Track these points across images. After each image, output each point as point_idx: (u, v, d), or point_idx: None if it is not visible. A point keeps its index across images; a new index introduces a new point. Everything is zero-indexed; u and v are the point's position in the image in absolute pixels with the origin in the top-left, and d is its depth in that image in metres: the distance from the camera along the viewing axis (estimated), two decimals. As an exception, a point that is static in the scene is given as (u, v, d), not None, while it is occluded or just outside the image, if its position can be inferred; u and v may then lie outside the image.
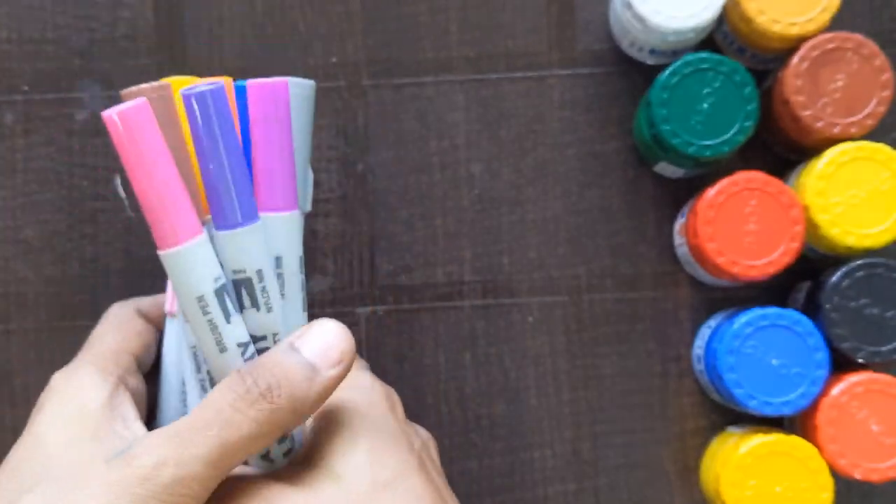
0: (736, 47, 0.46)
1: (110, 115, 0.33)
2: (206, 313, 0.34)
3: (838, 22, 0.47)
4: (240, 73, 0.48)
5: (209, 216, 0.34)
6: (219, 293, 0.34)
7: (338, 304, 0.47)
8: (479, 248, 0.48)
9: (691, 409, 0.47)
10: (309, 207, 0.41)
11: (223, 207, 0.34)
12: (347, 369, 0.35)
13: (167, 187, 0.33)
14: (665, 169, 0.46)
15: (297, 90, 0.40)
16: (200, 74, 0.47)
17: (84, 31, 0.48)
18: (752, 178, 0.42)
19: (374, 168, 0.48)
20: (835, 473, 0.42)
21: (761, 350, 0.42)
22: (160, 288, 0.45)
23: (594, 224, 0.47)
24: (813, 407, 0.43)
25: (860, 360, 0.43)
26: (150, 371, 0.41)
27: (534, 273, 0.47)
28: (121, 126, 0.33)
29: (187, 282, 0.33)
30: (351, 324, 0.47)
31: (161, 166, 0.33)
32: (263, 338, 0.35)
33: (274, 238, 0.35)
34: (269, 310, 0.35)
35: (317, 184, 0.47)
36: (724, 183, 0.42)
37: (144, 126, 0.33)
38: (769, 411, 0.42)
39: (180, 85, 0.34)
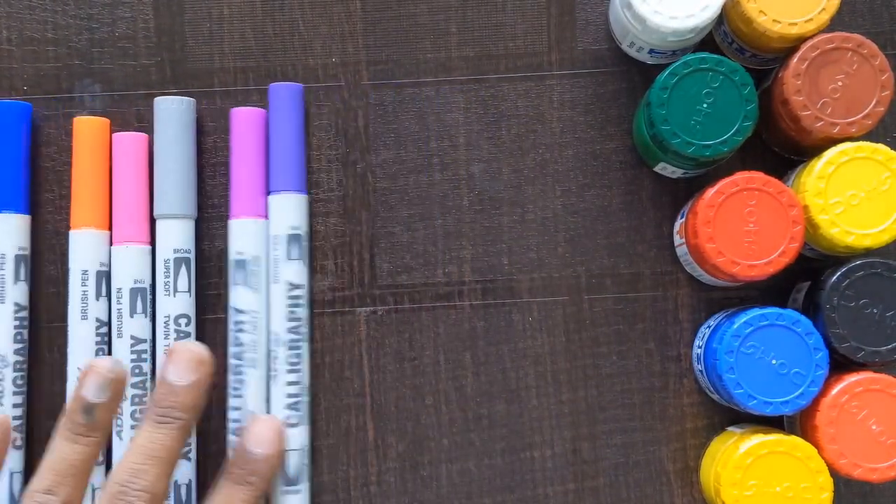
0: (736, 47, 0.46)
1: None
2: None
3: (838, 22, 0.47)
4: (240, 73, 0.48)
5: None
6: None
7: (338, 304, 0.47)
8: (479, 248, 0.48)
9: (691, 409, 0.47)
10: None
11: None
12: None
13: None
14: (665, 169, 0.46)
15: (176, 105, 0.46)
16: (200, 74, 0.48)
17: (84, 31, 0.48)
18: (751, 178, 0.42)
19: (374, 168, 0.48)
20: (835, 473, 0.42)
21: (761, 350, 0.42)
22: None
23: (594, 224, 0.48)
24: (813, 407, 0.43)
25: (860, 360, 0.43)
26: None
27: (534, 273, 0.47)
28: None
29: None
30: (351, 324, 0.47)
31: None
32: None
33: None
34: None
35: (317, 184, 0.47)
36: (723, 183, 0.42)
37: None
38: (769, 411, 0.42)
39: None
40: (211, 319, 0.47)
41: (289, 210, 0.46)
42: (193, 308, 0.46)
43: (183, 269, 0.46)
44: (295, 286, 0.46)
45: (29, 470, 0.45)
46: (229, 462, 0.43)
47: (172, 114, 0.46)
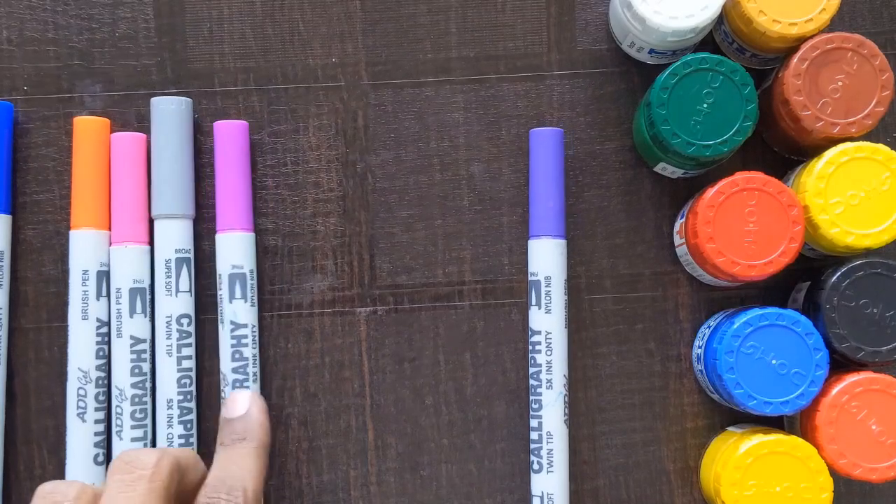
0: (736, 47, 0.46)
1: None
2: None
3: (838, 22, 0.47)
4: (240, 73, 0.48)
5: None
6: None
7: (338, 304, 0.47)
8: (479, 248, 0.48)
9: (691, 409, 0.47)
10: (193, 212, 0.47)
11: None
12: None
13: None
14: (664, 169, 0.46)
15: (174, 106, 0.46)
16: (200, 74, 0.48)
17: (84, 31, 0.48)
18: (751, 178, 0.42)
19: (374, 168, 0.48)
20: (835, 473, 0.42)
21: (761, 350, 0.42)
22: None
23: (594, 224, 0.47)
24: (813, 407, 0.43)
25: (860, 360, 0.43)
26: None
27: (534, 273, 0.47)
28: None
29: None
30: (351, 324, 0.47)
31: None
32: None
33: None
34: None
35: (317, 184, 0.47)
36: (723, 183, 0.42)
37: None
38: (769, 411, 0.42)
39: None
40: (210, 320, 0.47)
41: (545, 254, 0.46)
42: (194, 308, 0.46)
43: (184, 269, 0.46)
44: (535, 332, 0.46)
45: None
46: (218, 437, 0.43)
47: (170, 114, 0.46)
